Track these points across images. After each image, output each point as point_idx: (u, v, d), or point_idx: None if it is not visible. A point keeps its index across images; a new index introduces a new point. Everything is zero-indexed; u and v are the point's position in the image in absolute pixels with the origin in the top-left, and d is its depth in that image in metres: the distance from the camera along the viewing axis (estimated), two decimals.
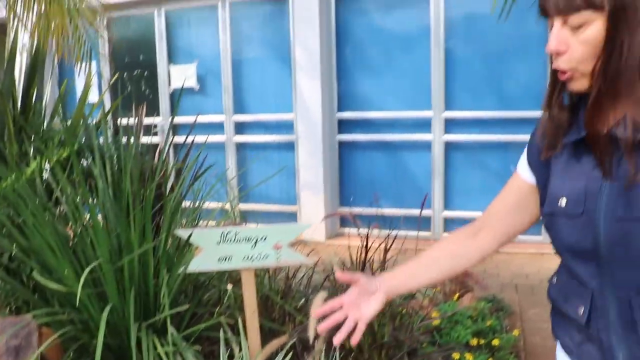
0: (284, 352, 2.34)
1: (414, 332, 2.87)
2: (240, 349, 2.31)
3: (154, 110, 6.63)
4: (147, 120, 3.67)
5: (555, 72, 1.14)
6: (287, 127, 6.09)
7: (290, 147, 6.07)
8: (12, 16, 3.44)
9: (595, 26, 1.05)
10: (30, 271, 2.66)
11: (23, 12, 2.69)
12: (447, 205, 5.64)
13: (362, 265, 2.87)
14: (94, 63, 6.97)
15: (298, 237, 2.56)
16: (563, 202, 1.17)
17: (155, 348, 2.26)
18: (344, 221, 5.96)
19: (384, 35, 5.67)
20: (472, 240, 1.38)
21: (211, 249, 2.38)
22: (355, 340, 1.27)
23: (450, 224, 5.64)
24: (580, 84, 1.10)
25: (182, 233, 2.41)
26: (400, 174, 5.78)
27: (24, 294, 2.67)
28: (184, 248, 2.64)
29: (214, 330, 2.46)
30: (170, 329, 2.28)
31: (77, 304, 2.37)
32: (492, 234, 1.37)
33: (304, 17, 5.67)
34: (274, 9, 6.05)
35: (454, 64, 5.45)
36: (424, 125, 5.64)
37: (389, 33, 5.65)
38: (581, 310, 1.17)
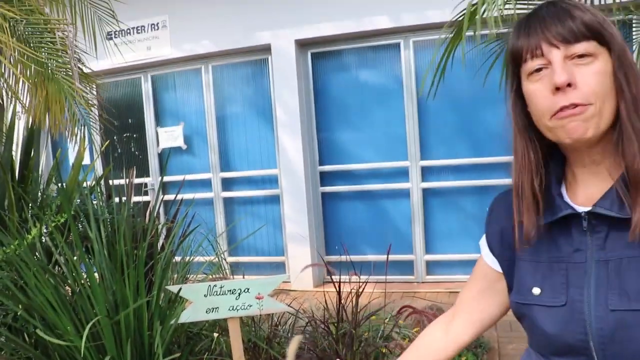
0: None
1: None
2: None
3: (143, 170, 6.87)
4: (137, 180, 3.92)
5: (534, 134, 1.02)
6: (272, 181, 6.34)
7: (275, 200, 6.30)
8: (8, 94, 3.72)
9: (603, 59, 0.94)
10: (34, 329, 2.86)
11: (24, 97, 2.95)
12: (428, 249, 5.85)
13: (343, 310, 3.08)
14: (84, 128, 7.26)
15: (282, 286, 2.78)
16: (537, 291, 1.04)
17: None
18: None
19: (359, 90, 5.97)
20: (443, 333, 1.28)
21: (199, 301, 2.60)
22: None
23: (432, 267, 5.83)
24: (586, 127, 0.93)
25: (173, 288, 2.63)
26: (382, 221, 6.00)
27: (27, 350, 2.86)
28: (175, 301, 2.84)
29: None
30: None
31: (80, 357, 2.58)
32: (465, 322, 1.25)
33: (283, 77, 5.96)
34: (254, 70, 6.36)
35: (426, 115, 5.75)
36: (402, 174, 5.90)
37: (364, 88, 5.95)
38: None
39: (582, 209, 0.99)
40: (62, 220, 3.19)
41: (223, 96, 6.51)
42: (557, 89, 0.93)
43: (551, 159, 1.05)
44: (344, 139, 6.07)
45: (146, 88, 6.77)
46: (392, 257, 5.25)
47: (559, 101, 0.93)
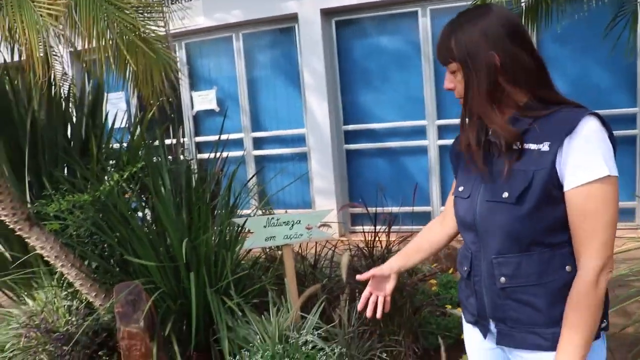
0: (317, 306, 3.12)
1: (418, 296, 3.63)
2: (284, 302, 3.09)
3: (178, 132, 7.42)
4: (172, 141, 4.47)
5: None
6: (299, 140, 6.89)
7: (303, 157, 6.86)
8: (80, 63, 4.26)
9: (461, 73, 1.48)
10: (120, 256, 3.46)
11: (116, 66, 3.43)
12: (443, 201, 6.39)
13: (370, 254, 3.61)
14: (122, 93, 7.82)
15: (324, 221, 3.35)
16: (461, 188, 1.61)
17: (224, 303, 3.05)
18: (355, 220, 6.72)
19: (380, 55, 6.46)
20: (440, 227, 1.82)
21: (259, 232, 3.18)
22: (386, 309, 1.76)
23: None
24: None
25: (239, 221, 3.21)
26: (402, 176, 6.54)
27: (116, 273, 3.47)
28: (238, 234, 3.42)
29: (263, 296, 3.24)
30: (233, 293, 3.07)
31: (158, 277, 3.18)
32: (452, 219, 1.76)
33: (309, 43, 6.47)
34: (282, 37, 6.86)
35: (442, 78, 6.22)
36: (420, 132, 6.42)
37: (385, 54, 6.44)
38: (465, 268, 1.59)
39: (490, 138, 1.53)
40: (135, 170, 3.76)
41: (253, 62, 7.02)
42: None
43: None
44: (366, 101, 6.58)
45: (180, 55, 7.28)
46: (410, 208, 5.79)
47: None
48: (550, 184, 1.37)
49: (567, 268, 1.42)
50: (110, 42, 2.92)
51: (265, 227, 3.17)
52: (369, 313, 1.77)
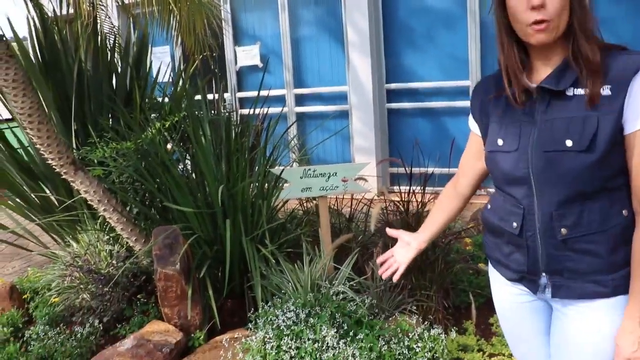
0: (350, 258, 3.16)
1: (452, 255, 3.63)
2: (317, 253, 3.14)
3: (221, 86, 7.49)
4: (215, 96, 4.52)
5: (511, 32, 1.45)
6: (341, 98, 6.86)
7: (344, 115, 6.84)
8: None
9: None
10: (160, 202, 3.56)
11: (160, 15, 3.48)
12: None
13: (406, 210, 3.61)
14: (167, 47, 7.90)
15: (360, 174, 3.36)
16: (500, 142, 1.52)
17: (259, 251, 3.12)
18: (393, 180, 6.71)
19: (425, 13, 6.33)
20: (454, 191, 1.82)
21: (296, 183, 3.22)
22: (395, 278, 1.79)
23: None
24: (549, 36, 1.36)
25: (275, 171, 3.26)
26: (443, 138, 6.47)
27: (156, 219, 3.57)
28: (275, 184, 3.47)
29: (297, 247, 3.30)
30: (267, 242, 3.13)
31: (196, 223, 3.26)
32: (467, 181, 1.78)
33: (354, 0, 6.39)
34: None
35: (488, 38, 6.09)
36: (463, 93, 6.30)
37: (430, 11, 6.30)
38: (515, 225, 1.52)
39: (533, 85, 1.46)
40: (177, 119, 3.82)
41: (297, 18, 6.97)
42: (533, 7, 1.35)
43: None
44: (410, 60, 6.48)
45: (225, 8, 7.28)
46: (453, 170, 5.73)
47: (533, 16, 1.35)
48: (617, 128, 1.35)
49: (624, 212, 1.42)
50: None
51: (301, 178, 3.21)
52: (380, 272, 1.85)
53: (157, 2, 3.09)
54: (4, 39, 3.20)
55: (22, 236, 4.21)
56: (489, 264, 1.76)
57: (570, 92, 1.40)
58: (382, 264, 1.85)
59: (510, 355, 3.03)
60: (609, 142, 1.35)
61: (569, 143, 1.38)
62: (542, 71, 1.46)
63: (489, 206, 1.67)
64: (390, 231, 1.88)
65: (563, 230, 1.43)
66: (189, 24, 3.46)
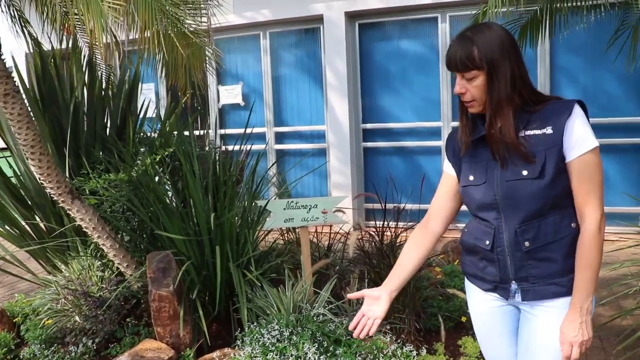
0: (328, 283, 3.41)
1: (423, 283, 3.90)
2: (299, 278, 3.39)
3: (204, 123, 7.77)
4: (201, 132, 4.78)
5: (462, 102, 1.85)
6: (319, 136, 7.19)
7: (322, 153, 7.16)
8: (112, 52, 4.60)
9: (480, 78, 1.74)
10: (151, 231, 3.78)
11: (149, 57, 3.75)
12: None
13: (381, 241, 3.87)
14: (152, 84, 8.18)
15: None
16: (471, 177, 1.87)
17: (244, 276, 3.35)
18: (368, 215, 7.00)
19: (400, 57, 6.74)
20: (425, 231, 2.01)
21: (279, 213, 3.48)
22: (372, 332, 1.87)
23: (459, 216, 6.62)
24: (476, 109, 1.80)
25: (261, 203, 3.52)
26: (416, 175, 6.80)
27: (146, 245, 3.79)
28: (260, 215, 3.72)
29: (280, 274, 3.55)
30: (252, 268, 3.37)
31: (185, 251, 3.49)
32: (437, 220, 2.01)
33: (333, 43, 6.75)
34: (307, 37, 7.16)
35: None
36: (435, 133, 6.68)
37: (405, 56, 6.71)
38: (487, 242, 1.85)
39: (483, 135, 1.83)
40: (167, 153, 4.08)
41: (278, 60, 7.33)
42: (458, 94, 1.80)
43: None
44: (385, 101, 6.86)
45: (208, 50, 7.59)
46: (424, 206, 6.02)
47: (462, 98, 1.81)
48: (559, 157, 1.71)
49: (573, 225, 1.77)
50: (158, 33, 3.23)
51: (284, 209, 3.47)
52: (355, 334, 1.89)
53: (164, 45, 3.36)
54: (12, 76, 3.44)
55: (10, 262, 4.35)
56: (466, 280, 2.08)
57: (522, 134, 1.77)
58: (355, 327, 1.90)
59: None
60: (555, 169, 1.72)
61: (524, 172, 1.74)
62: None
63: (465, 230, 1.99)
64: (351, 295, 1.95)
65: (526, 243, 1.78)
66: (185, 66, 3.75)
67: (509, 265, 1.84)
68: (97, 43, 4.28)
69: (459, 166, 1.95)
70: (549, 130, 1.73)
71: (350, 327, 1.90)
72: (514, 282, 1.86)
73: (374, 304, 1.90)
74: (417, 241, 2.02)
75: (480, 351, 3.50)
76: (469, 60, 1.73)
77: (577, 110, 1.73)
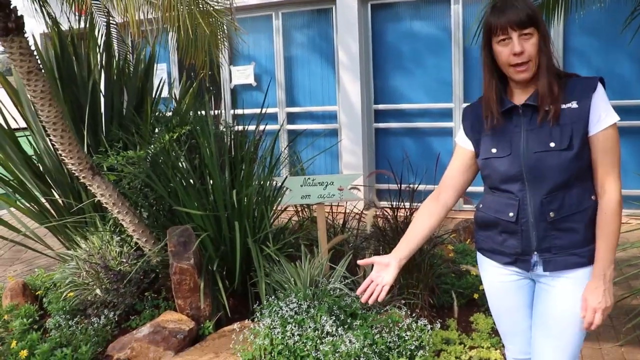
0: (344, 259, 3.48)
1: (436, 261, 3.96)
2: (315, 254, 3.46)
3: (218, 103, 7.82)
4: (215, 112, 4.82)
5: (495, 69, 1.88)
6: (331, 117, 7.23)
7: (334, 133, 7.21)
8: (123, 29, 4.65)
9: (535, 37, 1.77)
10: (169, 207, 3.86)
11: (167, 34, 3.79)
12: None
13: (395, 225, 3.92)
14: (164, 65, 8.23)
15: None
16: (494, 150, 1.90)
17: (262, 252, 3.43)
18: (380, 196, 7.05)
19: (413, 39, 6.75)
20: (436, 202, 2.05)
21: (296, 190, 3.55)
22: (381, 298, 1.88)
23: (468, 195, 6.67)
24: (528, 74, 1.79)
25: (279, 179, 3.58)
26: (427, 156, 6.84)
27: (165, 221, 3.87)
28: (277, 192, 3.79)
29: (296, 250, 3.62)
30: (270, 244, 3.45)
31: (203, 227, 3.57)
32: (449, 192, 2.05)
33: (345, 24, 6.78)
34: (320, 18, 7.18)
35: (471, 64, 6.51)
36: (447, 115, 6.71)
37: (417, 37, 6.72)
38: (511, 214, 1.89)
39: (518, 104, 1.87)
40: (184, 131, 4.14)
41: (291, 40, 7.36)
42: (515, 54, 1.77)
43: (501, 82, 1.91)
44: (397, 82, 6.89)
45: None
46: (432, 186, 6.06)
47: (514, 60, 1.78)
48: (584, 131, 1.78)
49: (592, 197, 1.85)
50: (180, 12, 3.28)
51: (301, 186, 3.53)
52: (363, 299, 1.91)
53: (189, 23, 3.41)
54: (34, 55, 3.50)
55: (30, 237, 4.44)
56: (479, 256, 2.13)
57: (547, 107, 1.81)
58: (363, 292, 1.92)
59: (489, 347, 3.37)
60: (580, 142, 1.79)
61: (552, 144, 1.80)
62: (522, 95, 1.88)
63: (480, 206, 2.04)
64: (361, 262, 2.00)
65: (551, 214, 1.85)
66: (203, 45, 3.80)
67: (533, 236, 1.89)
68: (127, 20, 4.34)
69: (477, 141, 1.98)
70: (574, 104, 1.80)
71: (358, 292, 1.92)
72: (535, 253, 1.92)
73: (383, 270, 1.92)
74: (428, 211, 2.06)
75: (492, 327, 3.59)
76: (529, 16, 1.77)
77: (601, 86, 1.81)
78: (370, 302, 1.90)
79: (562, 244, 1.87)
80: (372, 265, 1.96)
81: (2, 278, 5.26)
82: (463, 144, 2.05)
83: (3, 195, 4.64)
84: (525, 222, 1.89)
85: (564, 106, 1.80)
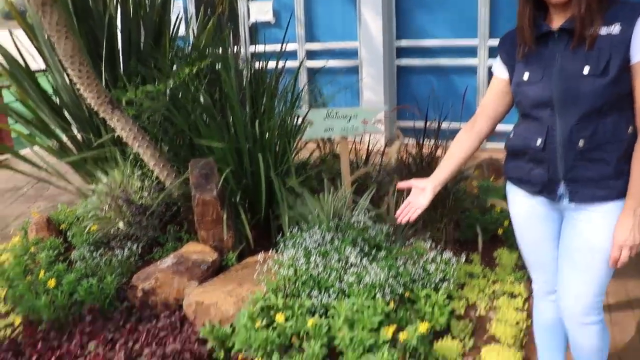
0: (367, 192, 3.43)
1: (461, 196, 3.90)
2: (338, 186, 3.42)
3: (236, 40, 7.68)
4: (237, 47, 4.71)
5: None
6: (352, 53, 7.07)
7: (354, 70, 7.06)
8: None
9: None
10: (190, 140, 3.82)
11: None
12: None
13: (420, 155, 3.86)
14: (180, 1, 8.06)
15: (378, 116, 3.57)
16: (526, 76, 1.85)
17: (284, 185, 3.40)
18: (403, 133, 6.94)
19: None
20: (471, 131, 2.06)
21: (319, 123, 3.47)
22: (412, 218, 2.03)
23: (492, 136, 6.56)
24: None
25: (301, 112, 3.51)
26: (451, 94, 6.69)
27: (185, 155, 3.83)
28: (299, 125, 3.72)
29: (319, 184, 3.58)
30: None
31: (225, 159, 3.53)
32: (484, 121, 2.05)
33: None
34: None
35: None
36: (471, 51, 6.52)
37: None
38: (539, 141, 1.84)
39: (554, 29, 1.79)
40: (203, 64, 4.05)
41: None
42: None
43: (539, 9, 1.83)
44: (420, 17, 6.67)
45: None
46: (456, 125, 5.95)
47: None
48: (624, 58, 1.67)
49: (629, 129, 1.75)
50: None
51: (324, 119, 3.46)
52: (398, 221, 2.06)
53: None
54: None
55: (51, 173, 4.44)
56: (508, 186, 2.11)
57: (583, 31, 1.71)
58: (400, 214, 2.07)
59: (512, 282, 3.34)
60: (618, 68, 1.67)
61: (586, 70, 1.70)
62: (560, 20, 1.79)
63: (511, 135, 2.00)
64: (401, 184, 2.10)
65: (581, 142, 1.77)
66: None
67: (560, 165, 1.83)
68: None
69: (512, 67, 1.93)
70: (616, 28, 1.69)
71: (396, 216, 2.07)
72: (562, 183, 1.86)
73: (420, 194, 2.04)
74: (462, 139, 2.09)
75: (516, 263, 3.56)
76: None
77: None
78: (403, 221, 2.03)
79: (590, 175, 1.79)
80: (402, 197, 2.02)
81: (27, 214, 5.31)
82: (498, 73, 2.01)
83: (25, 135, 4.63)
84: (553, 150, 1.82)
85: (603, 31, 1.70)
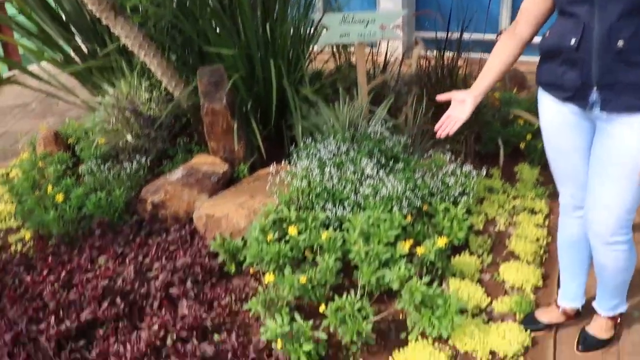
0: (385, 102, 3.27)
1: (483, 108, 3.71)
2: (354, 96, 3.26)
3: None
4: None
5: None
6: None
7: None
8: None
9: None
10: (199, 48, 3.63)
11: None
12: None
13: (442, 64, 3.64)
14: None
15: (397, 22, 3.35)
16: None
17: (298, 93, 3.23)
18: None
19: None
20: (512, 37, 1.91)
21: (335, 28, 3.26)
22: (452, 132, 1.96)
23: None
24: None
25: (316, 16, 3.29)
26: (474, 3, 6.34)
27: (194, 62, 3.66)
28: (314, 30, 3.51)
29: (333, 93, 3.41)
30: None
31: (235, 66, 3.35)
32: (524, 26, 1.89)
33: None
34: None
35: None
36: None
37: None
38: (573, 40, 1.69)
39: None
40: None
41: None
42: None
43: None
44: None
45: None
46: (478, 36, 5.69)
47: None
48: None
49: None
50: None
51: (340, 24, 3.25)
52: (438, 135, 2.01)
53: None
54: None
55: (58, 87, 4.30)
56: (539, 91, 1.96)
57: None
58: (439, 127, 2.00)
59: (533, 197, 3.22)
60: None
61: None
62: None
63: (546, 34, 1.84)
64: (440, 96, 2.01)
65: (620, 42, 1.60)
66: None
67: (594, 68, 1.67)
68: None
69: None
70: None
71: (436, 128, 2.01)
72: (595, 89, 1.71)
73: (459, 106, 1.96)
74: (503, 45, 1.94)
75: (537, 178, 3.42)
76: None
77: None
78: (442, 135, 1.99)
79: (628, 81, 1.64)
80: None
81: (36, 130, 5.22)
82: None
83: (31, 49, 4.45)
84: (588, 49, 1.67)
85: None
